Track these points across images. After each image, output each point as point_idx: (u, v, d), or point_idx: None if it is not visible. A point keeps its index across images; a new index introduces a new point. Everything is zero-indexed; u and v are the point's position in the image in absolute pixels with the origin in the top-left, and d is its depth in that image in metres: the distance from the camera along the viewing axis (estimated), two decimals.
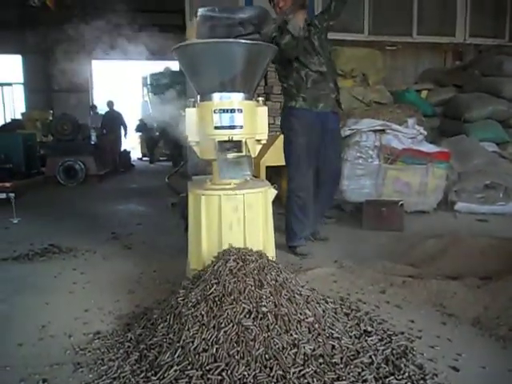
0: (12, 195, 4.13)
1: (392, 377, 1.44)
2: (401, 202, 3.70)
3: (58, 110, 9.87)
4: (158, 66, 10.51)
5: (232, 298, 1.56)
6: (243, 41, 1.96)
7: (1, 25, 10.10)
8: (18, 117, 10.76)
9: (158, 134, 10.03)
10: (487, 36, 6.93)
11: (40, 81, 11.76)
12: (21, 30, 10.95)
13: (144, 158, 11.76)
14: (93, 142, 7.38)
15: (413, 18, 6.61)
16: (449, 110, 5.52)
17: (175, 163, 8.52)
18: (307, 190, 3.07)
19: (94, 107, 11.31)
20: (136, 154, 11.84)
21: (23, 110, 11.63)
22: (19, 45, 11.39)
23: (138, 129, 11.54)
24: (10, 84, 12.38)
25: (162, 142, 10.55)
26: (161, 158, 11.25)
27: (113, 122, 9.74)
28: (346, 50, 5.44)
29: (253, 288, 1.60)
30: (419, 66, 6.79)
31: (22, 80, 12.20)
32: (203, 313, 1.55)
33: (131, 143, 12.35)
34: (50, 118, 9.29)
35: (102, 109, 10.68)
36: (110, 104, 10.15)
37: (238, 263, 1.71)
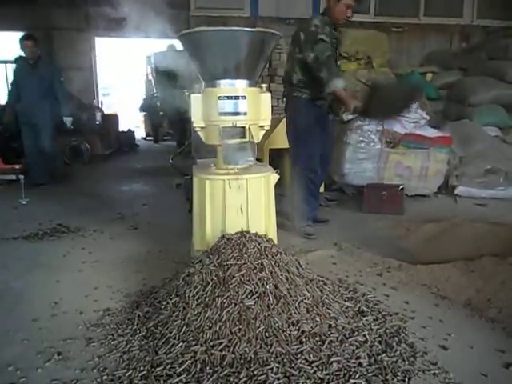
0: (22, 177, 4.21)
1: (384, 354, 1.54)
2: (401, 186, 3.75)
3: None
4: (163, 43, 10.39)
5: (234, 279, 1.64)
6: (247, 29, 2.00)
7: (2, 1, 9.98)
8: None
9: (161, 113, 9.87)
10: (495, 17, 6.85)
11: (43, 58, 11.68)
12: (22, 6, 10.83)
13: (148, 138, 11.76)
14: (97, 123, 7.41)
15: None
16: (453, 94, 5.51)
17: (179, 143, 8.54)
18: (316, 172, 3.14)
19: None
20: (140, 133, 11.83)
21: None
22: (22, 21, 11.27)
23: (142, 108, 11.43)
24: (13, 62, 12.30)
25: (166, 121, 10.49)
26: (165, 138, 11.26)
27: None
28: (350, 31, 5.38)
29: (255, 270, 1.68)
30: (425, 48, 6.73)
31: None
32: (207, 293, 1.64)
33: (135, 122, 12.33)
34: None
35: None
36: None
37: (240, 246, 1.79)
